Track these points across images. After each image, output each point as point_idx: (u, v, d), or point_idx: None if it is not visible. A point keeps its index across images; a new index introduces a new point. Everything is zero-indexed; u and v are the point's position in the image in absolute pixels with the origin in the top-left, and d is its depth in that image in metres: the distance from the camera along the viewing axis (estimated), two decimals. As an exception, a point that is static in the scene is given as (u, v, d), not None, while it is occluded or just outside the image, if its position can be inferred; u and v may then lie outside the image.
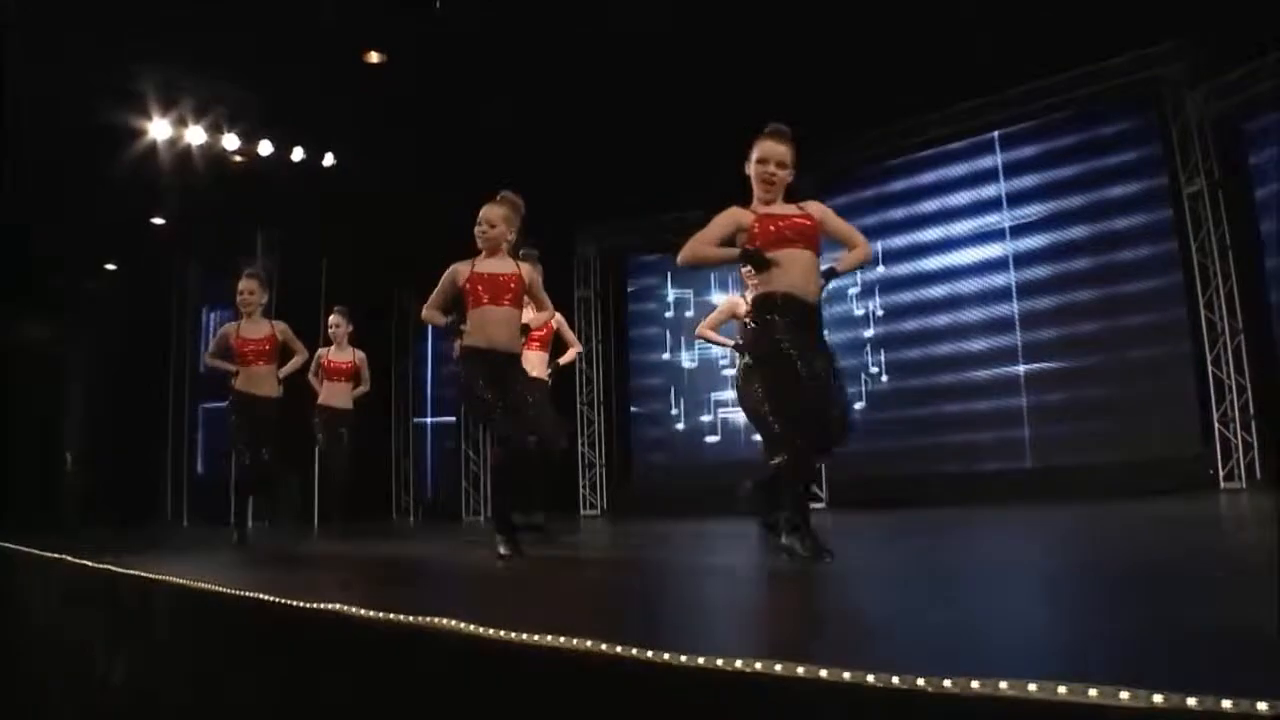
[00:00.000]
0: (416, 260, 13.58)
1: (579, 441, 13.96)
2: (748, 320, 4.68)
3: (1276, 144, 10.03)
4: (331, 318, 9.26)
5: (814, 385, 4.28)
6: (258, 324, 7.36)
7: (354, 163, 12.07)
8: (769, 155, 4.56)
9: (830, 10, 10.43)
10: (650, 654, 2.05)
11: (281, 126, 11.37)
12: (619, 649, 2.10)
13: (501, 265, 5.55)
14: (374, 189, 12.13)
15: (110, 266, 14.67)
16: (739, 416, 13.35)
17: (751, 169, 4.61)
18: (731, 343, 6.52)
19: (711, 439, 13.82)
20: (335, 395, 9.06)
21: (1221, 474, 10.11)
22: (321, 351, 9.04)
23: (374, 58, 10.60)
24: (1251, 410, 10.02)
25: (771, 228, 4.50)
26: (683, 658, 2.00)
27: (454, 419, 14.38)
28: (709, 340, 6.75)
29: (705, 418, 13.92)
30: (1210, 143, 10.47)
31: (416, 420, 14.63)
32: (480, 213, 5.60)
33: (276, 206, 11.80)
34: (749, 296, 4.83)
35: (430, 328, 14.68)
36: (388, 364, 14.37)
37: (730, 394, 13.53)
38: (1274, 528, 4.63)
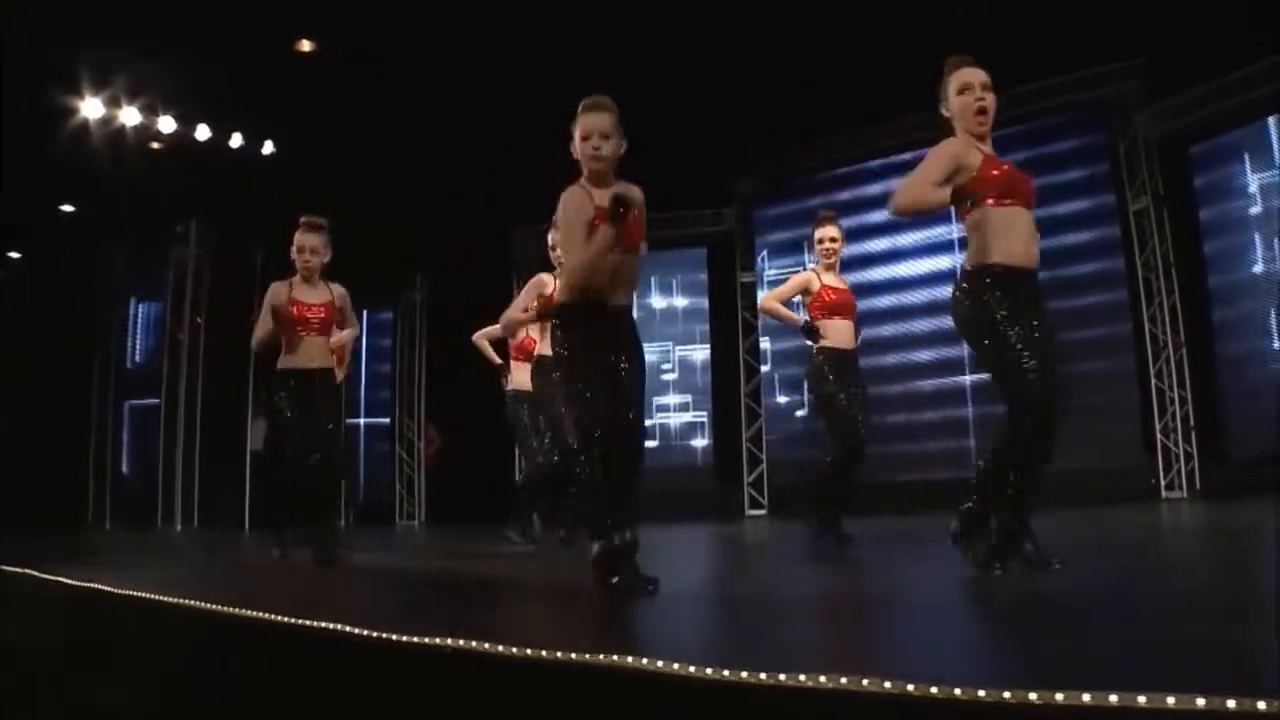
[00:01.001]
0: (352, 257, 13.41)
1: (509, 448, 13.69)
2: (960, 292, 3.79)
3: (1221, 167, 10.18)
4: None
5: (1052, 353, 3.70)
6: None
7: (294, 154, 11.71)
8: (972, 80, 3.83)
9: (782, 17, 10.42)
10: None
11: (219, 109, 10.96)
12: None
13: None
14: (313, 183, 11.77)
15: (14, 255, 14.02)
16: (674, 421, 13.35)
17: (953, 101, 3.86)
18: (801, 319, 6.22)
19: (649, 443, 13.58)
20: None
21: (1163, 483, 10.32)
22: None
23: (305, 45, 10.25)
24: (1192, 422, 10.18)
25: (995, 172, 3.74)
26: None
27: (388, 420, 14.03)
28: (775, 316, 6.36)
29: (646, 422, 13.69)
30: (1156, 162, 10.57)
31: (348, 421, 14.21)
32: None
33: (212, 195, 11.38)
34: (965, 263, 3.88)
35: (365, 323, 14.46)
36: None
37: (670, 398, 13.41)
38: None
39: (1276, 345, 9.67)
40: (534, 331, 7.00)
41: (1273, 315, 9.67)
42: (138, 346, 13.87)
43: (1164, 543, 6.03)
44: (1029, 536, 3.72)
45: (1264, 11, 8.77)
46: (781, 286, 6.42)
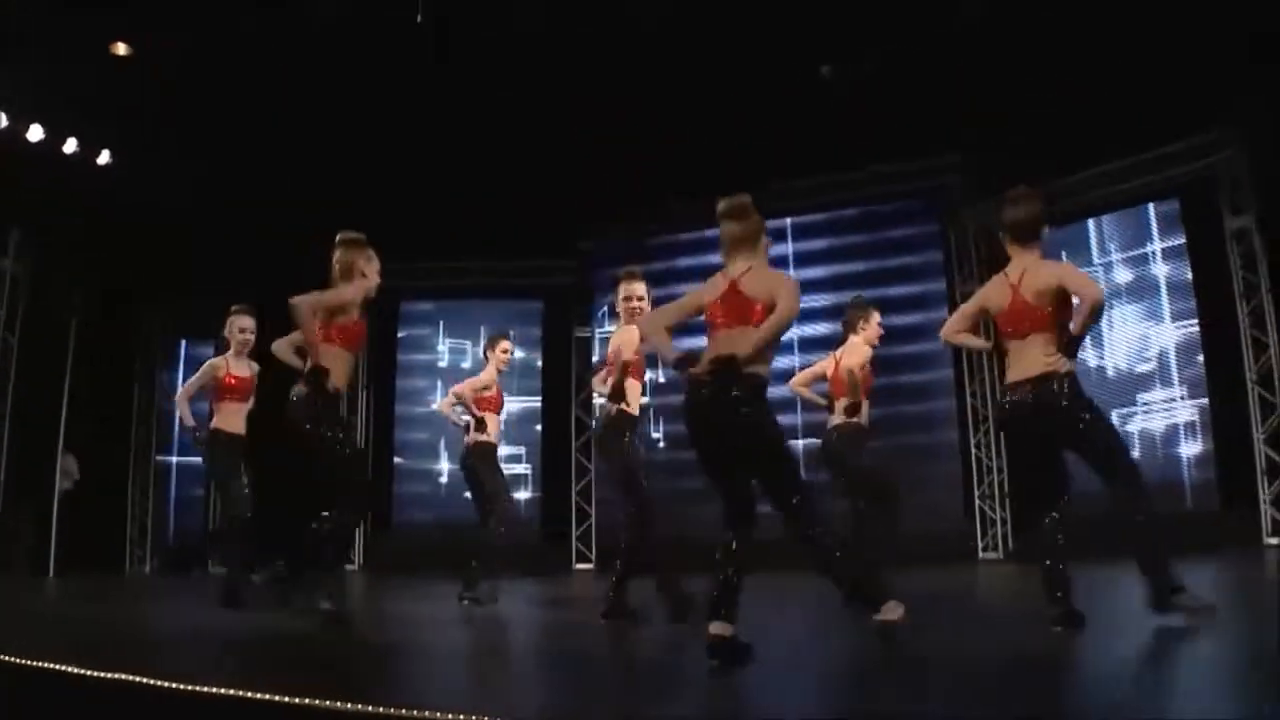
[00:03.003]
0: (172, 280, 12.72)
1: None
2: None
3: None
4: (244, 320, 7.09)
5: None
6: (245, 362, 7.01)
7: (130, 166, 11.06)
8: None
9: (631, 84, 10.79)
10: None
11: (53, 112, 10.22)
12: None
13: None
14: (144, 199, 11.14)
15: None
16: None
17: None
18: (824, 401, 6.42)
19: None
20: (233, 419, 7.13)
21: (980, 545, 11.08)
22: (216, 363, 7.06)
23: (121, 49, 9.76)
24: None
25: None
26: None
27: (201, 459, 13.13)
28: (804, 397, 6.47)
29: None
30: (983, 253, 11.46)
31: (160, 458, 13.27)
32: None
33: (36, 203, 10.51)
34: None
35: (183, 351, 13.67)
36: (129, 393, 13.06)
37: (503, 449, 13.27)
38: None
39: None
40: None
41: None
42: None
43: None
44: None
45: (1088, 126, 9.86)
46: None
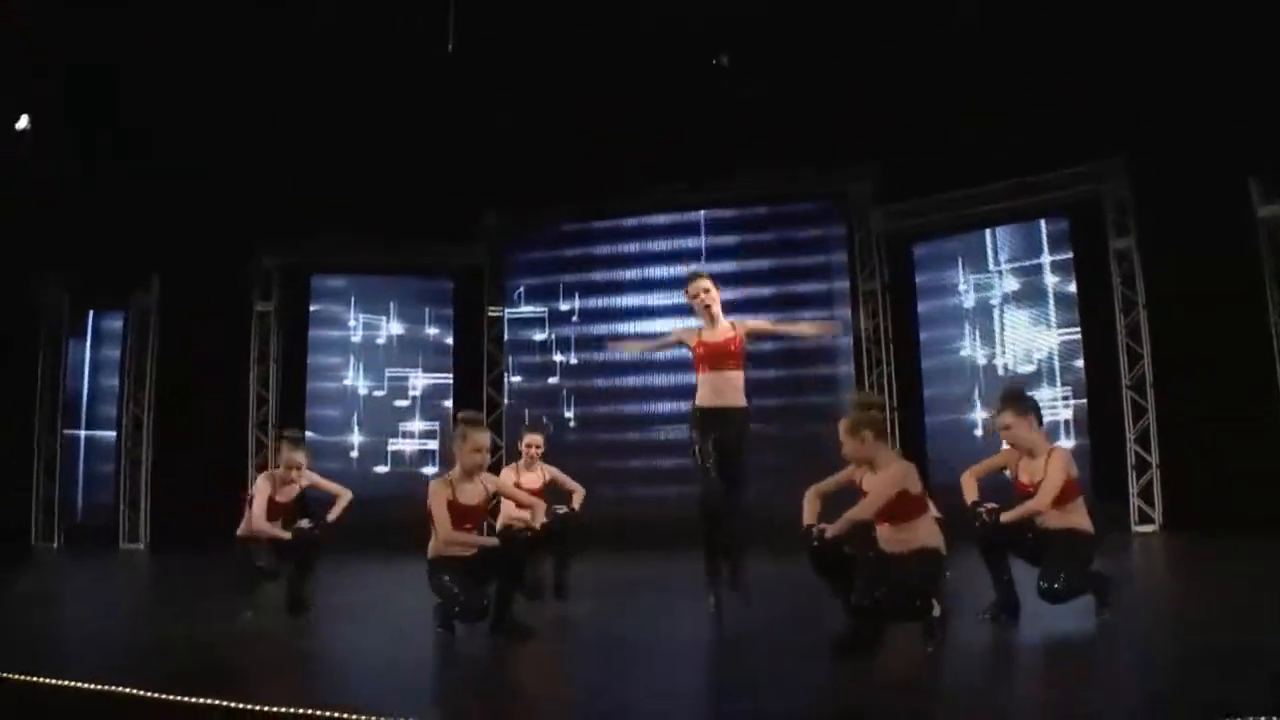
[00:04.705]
0: (72, 246, 12.42)
1: (249, 465, 13.23)
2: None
3: (935, 269, 11.97)
4: (534, 436, 7.12)
5: None
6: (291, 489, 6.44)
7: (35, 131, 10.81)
8: None
9: (555, 71, 11.05)
10: None
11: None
12: None
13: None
14: (44, 167, 10.90)
15: None
16: (408, 447, 13.54)
17: None
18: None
19: (380, 469, 13.60)
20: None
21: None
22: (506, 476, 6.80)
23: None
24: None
25: None
26: None
27: (113, 434, 12.97)
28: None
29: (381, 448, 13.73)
30: (884, 254, 12.17)
31: (67, 432, 13.01)
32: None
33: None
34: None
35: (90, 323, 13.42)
36: (34, 366, 12.77)
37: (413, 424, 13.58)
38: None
39: (977, 417, 11.51)
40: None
41: (975, 393, 11.52)
42: None
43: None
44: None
45: (991, 143, 10.58)
46: None
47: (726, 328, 5.91)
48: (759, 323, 6.49)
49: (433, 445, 13.71)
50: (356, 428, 13.67)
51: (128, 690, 3.64)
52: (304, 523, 6.02)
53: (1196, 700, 3.42)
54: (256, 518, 5.95)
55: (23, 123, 10.53)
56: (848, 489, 4.72)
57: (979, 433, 11.50)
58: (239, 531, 6.17)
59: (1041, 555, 4.90)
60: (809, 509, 4.63)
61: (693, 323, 6.13)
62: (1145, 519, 10.49)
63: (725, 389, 5.83)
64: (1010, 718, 3.63)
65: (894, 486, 4.37)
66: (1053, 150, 10.57)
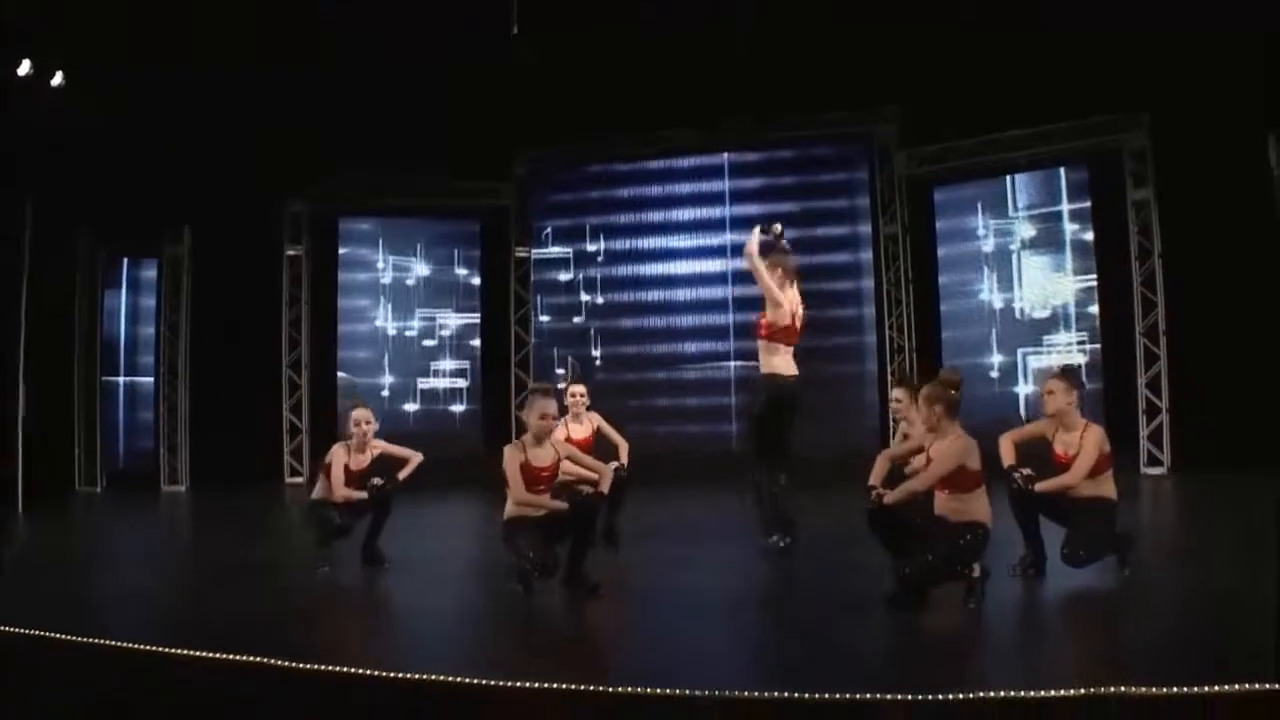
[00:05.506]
0: (105, 194, 12.60)
1: (284, 407, 13.64)
2: None
3: (955, 214, 12.26)
4: (578, 387, 7.65)
5: None
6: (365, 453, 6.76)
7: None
8: None
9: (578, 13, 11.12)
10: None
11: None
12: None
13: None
14: (75, 117, 11.06)
15: None
16: (438, 384, 14.01)
17: None
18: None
19: (410, 406, 14.01)
20: None
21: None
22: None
23: None
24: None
25: None
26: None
27: (151, 380, 13.34)
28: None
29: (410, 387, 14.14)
30: (906, 197, 12.40)
31: (106, 379, 13.37)
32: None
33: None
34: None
35: (125, 275, 13.71)
36: (71, 314, 13.06)
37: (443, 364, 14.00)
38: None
39: (994, 360, 11.90)
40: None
41: (992, 337, 11.89)
42: None
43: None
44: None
45: (1015, 90, 10.76)
46: None
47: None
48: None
49: (462, 384, 14.11)
50: (387, 368, 14.06)
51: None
52: (376, 481, 6.45)
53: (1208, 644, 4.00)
54: (336, 482, 6.40)
55: (24, 69, 10.59)
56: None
57: (995, 374, 11.91)
58: (313, 495, 6.72)
59: (1068, 518, 5.33)
60: (878, 470, 5.19)
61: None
62: (1154, 461, 10.91)
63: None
64: (1040, 665, 4.16)
65: (955, 461, 4.81)
66: (1075, 100, 10.75)
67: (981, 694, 3.31)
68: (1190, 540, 7.45)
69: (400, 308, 14.15)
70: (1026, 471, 5.36)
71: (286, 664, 3.92)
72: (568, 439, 6.82)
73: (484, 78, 12.02)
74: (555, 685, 3.59)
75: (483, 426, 14.06)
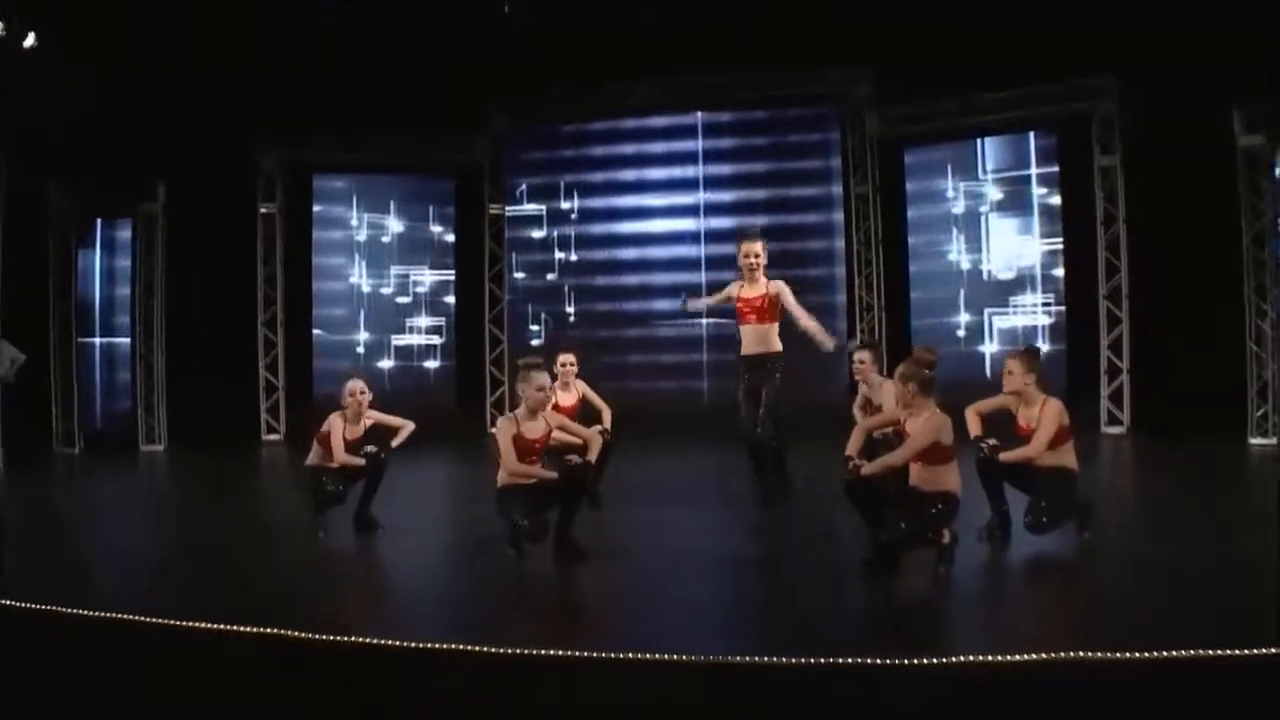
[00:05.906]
0: (78, 149, 12.51)
1: (260, 365, 13.69)
2: None
3: (925, 175, 12.47)
4: (567, 355, 7.75)
5: None
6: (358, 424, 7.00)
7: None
8: None
9: None
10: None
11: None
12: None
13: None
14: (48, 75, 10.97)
15: None
16: (413, 341, 14.16)
17: None
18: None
19: (385, 363, 14.12)
20: None
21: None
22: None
23: None
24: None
25: None
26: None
27: (128, 340, 13.33)
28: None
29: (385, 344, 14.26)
30: (877, 158, 12.58)
31: (82, 340, 13.34)
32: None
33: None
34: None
35: (99, 235, 13.69)
36: (44, 276, 13.00)
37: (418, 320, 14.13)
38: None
39: (961, 320, 12.19)
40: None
41: (960, 297, 12.18)
42: None
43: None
44: None
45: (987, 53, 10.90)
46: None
47: (761, 286, 7.21)
48: (787, 296, 7.31)
49: (436, 340, 14.24)
50: (362, 325, 14.15)
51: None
52: (370, 448, 6.68)
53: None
54: (336, 449, 6.63)
55: (30, 40, 10.57)
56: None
57: (961, 333, 12.20)
58: (308, 461, 6.95)
59: (1032, 485, 5.61)
60: (854, 442, 5.49)
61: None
62: (1114, 420, 11.31)
63: (759, 338, 7.21)
64: (1006, 624, 4.52)
65: (929, 437, 5.08)
66: (1045, 64, 10.88)
67: (958, 659, 3.59)
68: (1147, 505, 7.81)
69: (375, 265, 14.20)
70: (992, 442, 5.65)
71: (296, 634, 4.12)
72: (555, 406, 7.04)
73: (458, 31, 11.98)
74: (545, 652, 3.86)
75: (456, 383, 14.28)
